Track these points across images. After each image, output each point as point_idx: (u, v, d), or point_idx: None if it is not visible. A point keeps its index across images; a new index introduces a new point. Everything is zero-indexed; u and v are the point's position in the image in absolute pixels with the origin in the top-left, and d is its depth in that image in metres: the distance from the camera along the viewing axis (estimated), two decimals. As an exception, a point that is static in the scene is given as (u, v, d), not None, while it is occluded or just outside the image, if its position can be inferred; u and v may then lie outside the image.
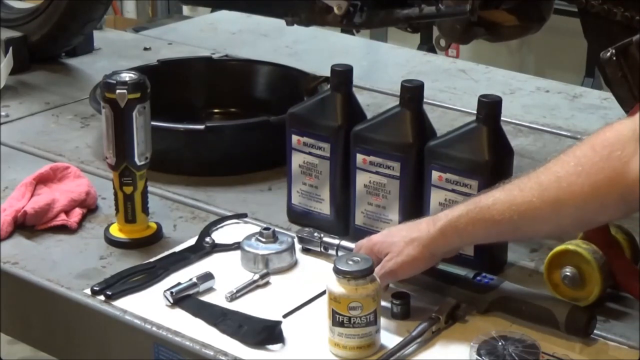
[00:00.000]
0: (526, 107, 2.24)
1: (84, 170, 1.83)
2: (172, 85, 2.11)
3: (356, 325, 1.32)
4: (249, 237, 1.57)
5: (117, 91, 1.54)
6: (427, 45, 3.56)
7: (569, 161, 1.28)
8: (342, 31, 2.85)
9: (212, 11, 3.33)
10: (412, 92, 1.56)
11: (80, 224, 1.68)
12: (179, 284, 1.48)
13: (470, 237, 1.38)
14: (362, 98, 1.74)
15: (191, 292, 1.47)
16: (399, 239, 1.41)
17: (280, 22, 2.01)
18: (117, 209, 1.63)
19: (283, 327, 1.39)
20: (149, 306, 1.45)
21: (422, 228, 1.40)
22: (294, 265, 1.57)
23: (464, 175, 1.49)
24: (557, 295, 1.44)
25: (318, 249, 1.59)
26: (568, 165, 1.27)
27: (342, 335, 1.33)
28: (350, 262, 1.33)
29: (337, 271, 1.33)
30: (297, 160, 1.66)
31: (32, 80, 2.38)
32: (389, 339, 1.37)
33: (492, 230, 1.35)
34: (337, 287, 1.32)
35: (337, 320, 1.33)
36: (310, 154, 1.64)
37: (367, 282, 1.32)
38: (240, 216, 1.71)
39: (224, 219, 1.70)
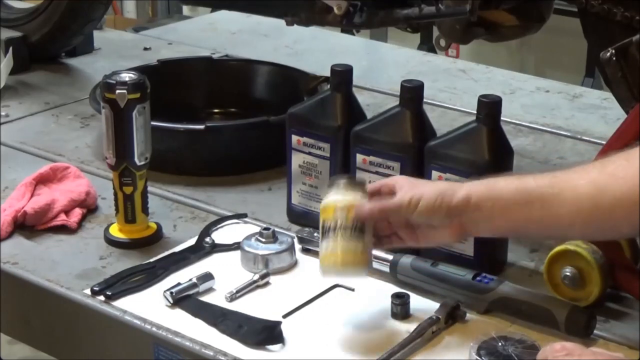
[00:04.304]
0: (526, 107, 2.24)
1: (84, 170, 1.83)
2: (172, 85, 2.11)
3: (344, 236, 1.33)
4: (248, 237, 1.57)
5: (117, 91, 1.54)
6: (427, 45, 3.57)
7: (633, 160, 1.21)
8: (342, 31, 2.85)
9: (212, 11, 3.33)
10: (412, 92, 1.56)
11: (80, 224, 1.68)
12: (179, 284, 1.48)
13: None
14: (362, 98, 1.74)
15: (191, 292, 1.47)
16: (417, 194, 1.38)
17: (280, 22, 2.01)
18: (117, 209, 1.63)
19: (283, 327, 1.39)
20: (148, 306, 1.45)
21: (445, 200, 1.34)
22: (293, 265, 1.57)
23: (464, 175, 1.49)
24: (557, 295, 1.44)
25: (318, 249, 1.58)
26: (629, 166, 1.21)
27: (328, 247, 1.34)
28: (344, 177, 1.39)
29: (330, 185, 1.37)
30: (297, 160, 1.66)
31: (32, 80, 2.38)
32: (389, 339, 1.37)
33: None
34: (327, 197, 1.36)
35: (326, 229, 1.34)
36: (310, 154, 1.64)
37: (356, 190, 1.36)
38: (240, 216, 1.71)
39: (224, 219, 1.70)
